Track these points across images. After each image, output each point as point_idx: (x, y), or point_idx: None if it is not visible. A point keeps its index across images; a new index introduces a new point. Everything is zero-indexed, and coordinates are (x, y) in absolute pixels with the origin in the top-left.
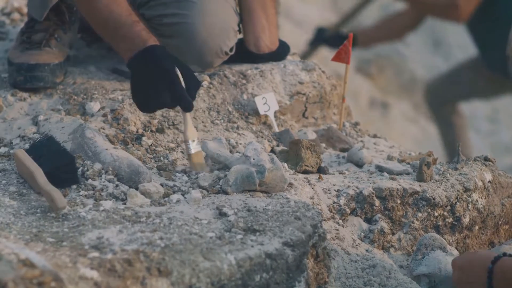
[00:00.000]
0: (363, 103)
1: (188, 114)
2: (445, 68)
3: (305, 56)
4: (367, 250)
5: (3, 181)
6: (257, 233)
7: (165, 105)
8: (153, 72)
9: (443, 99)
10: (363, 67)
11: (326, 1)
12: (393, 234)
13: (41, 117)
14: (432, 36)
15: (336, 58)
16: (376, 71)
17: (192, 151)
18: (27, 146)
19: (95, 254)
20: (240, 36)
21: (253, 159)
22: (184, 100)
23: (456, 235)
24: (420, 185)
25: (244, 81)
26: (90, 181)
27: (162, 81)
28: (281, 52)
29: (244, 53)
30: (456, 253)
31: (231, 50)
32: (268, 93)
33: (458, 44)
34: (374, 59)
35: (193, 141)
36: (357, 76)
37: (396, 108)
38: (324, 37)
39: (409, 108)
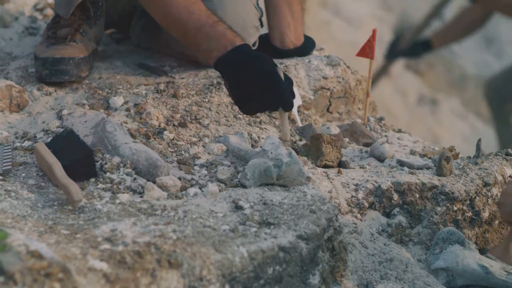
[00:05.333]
0: (411, 100)
1: (287, 113)
2: (496, 65)
3: (381, 71)
4: (384, 244)
5: (23, 174)
6: (272, 226)
7: (269, 109)
8: (255, 74)
9: (503, 95)
10: (412, 63)
11: None
12: (411, 228)
13: (64, 111)
14: (484, 33)
15: (361, 53)
16: (426, 68)
17: None
18: (49, 140)
19: (107, 246)
20: (263, 30)
21: (271, 153)
22: (286, 101)
23: (476, 229)
24: (439, 180)
25: None
26: (108, 174)
27: (266, 84)
28: (306, 47)
29: (269, 49)
30: (474, 247)
31: (253, 45)
32: None
33: (510, 40)
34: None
35: (288, 141)
36: (407, 73)
37: (445, 104)
38: (400, 49)
39: (458, 105)
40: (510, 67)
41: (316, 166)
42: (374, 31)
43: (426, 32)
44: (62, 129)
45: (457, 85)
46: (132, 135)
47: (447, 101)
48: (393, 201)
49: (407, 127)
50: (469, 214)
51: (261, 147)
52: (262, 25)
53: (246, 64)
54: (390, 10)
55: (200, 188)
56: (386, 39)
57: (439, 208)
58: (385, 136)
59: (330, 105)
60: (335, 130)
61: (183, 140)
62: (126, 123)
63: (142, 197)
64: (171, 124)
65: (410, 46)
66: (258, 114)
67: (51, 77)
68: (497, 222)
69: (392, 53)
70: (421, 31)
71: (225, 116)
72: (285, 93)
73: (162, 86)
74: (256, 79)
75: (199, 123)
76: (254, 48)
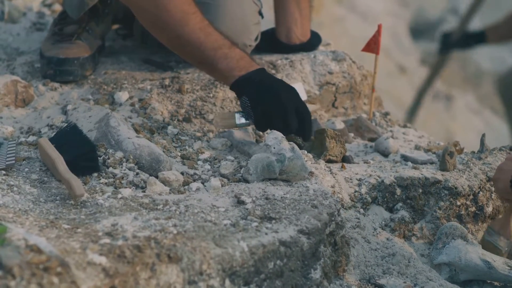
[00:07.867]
0: (426, 95)
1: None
2: (511, 61)
3: (438, 65)
4: (387, 239)
5: (26, 169)
6: (273, 221)
7: (290, 131)
8: (283, 91)
9: None
10: (427, 59)
11: None
12: (414, 223)
13: (69, 107)
14: None
15: (366, 49)
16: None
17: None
18: (53, 135)
19: (107, 240)
20: (268, 24)
21: (274, 148)
22: (308, 129)
23: (479, 224)
24: (442, 175)
25: (273, 71)
26: (111, 169)
27: (292, 104)
28: (312, 43)
29: (276, 44)
30: (477, 242)
31: (256, 39)
32: (297, 83)
33: None
34: None
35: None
36: (421, 68)
37: (460, 100)
38: (452, 41)
39: (474, 101)
40: None
41: (319, 160)
42: (379, 26)
43: (473, 21)
44: (66, 124)
45: (472, 81)
46: (136, 130)
47: (462, 97)
48: (396, 196)
49: (422, 123)
50: (473, 209)
51: (264, 141)
52: (262, 17)
53: (271, 83)
54: (406, 6)
55: (203, 183)
56: (402, 35)
57: (442, 203)
58: (390, 131)
59: (335, 100)
60: (339, 125)
61: (187, 135)
62: (130, 118)
63: (144, 191)
64: (176, 119)
65: (462, 37)
66: None
67: (55, 77)
68: (500, 217)
69: (446, 46)
70: (468, 21)
71: (229, 111)
72: (307, 120)
73: (167, 81)
74: (283, 97)
75: (204, 118)
76: (257, 42)
